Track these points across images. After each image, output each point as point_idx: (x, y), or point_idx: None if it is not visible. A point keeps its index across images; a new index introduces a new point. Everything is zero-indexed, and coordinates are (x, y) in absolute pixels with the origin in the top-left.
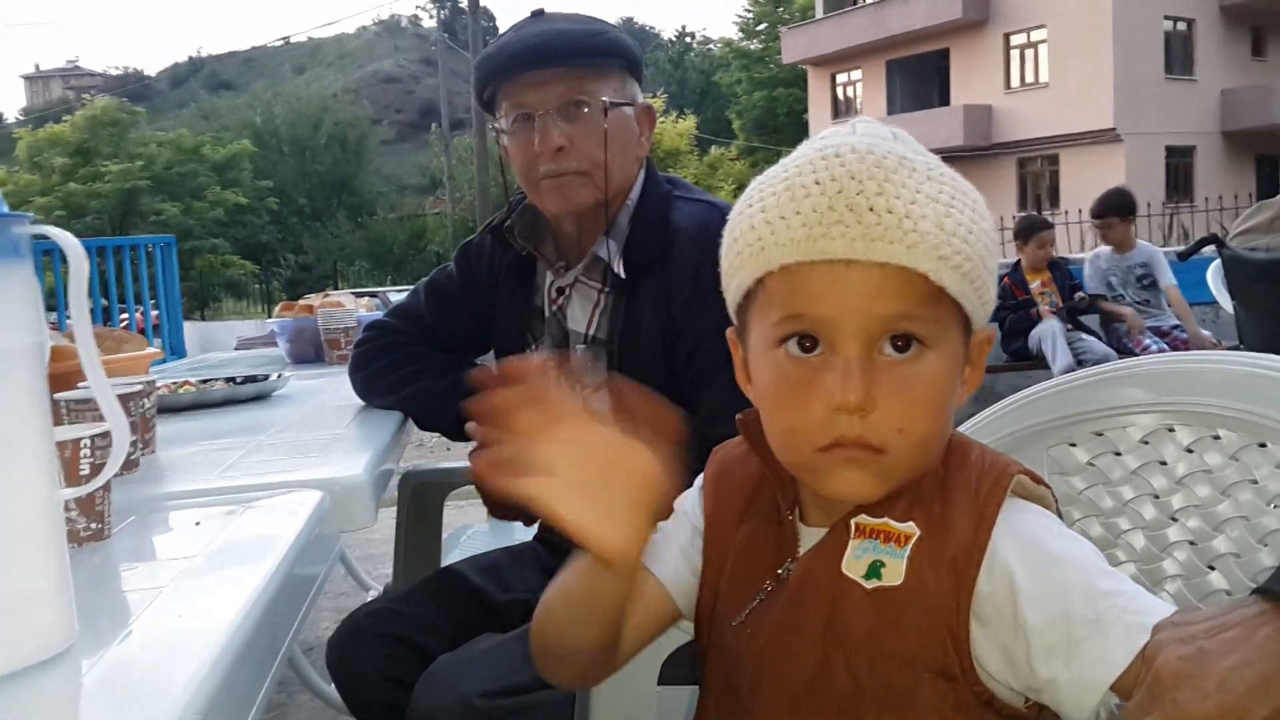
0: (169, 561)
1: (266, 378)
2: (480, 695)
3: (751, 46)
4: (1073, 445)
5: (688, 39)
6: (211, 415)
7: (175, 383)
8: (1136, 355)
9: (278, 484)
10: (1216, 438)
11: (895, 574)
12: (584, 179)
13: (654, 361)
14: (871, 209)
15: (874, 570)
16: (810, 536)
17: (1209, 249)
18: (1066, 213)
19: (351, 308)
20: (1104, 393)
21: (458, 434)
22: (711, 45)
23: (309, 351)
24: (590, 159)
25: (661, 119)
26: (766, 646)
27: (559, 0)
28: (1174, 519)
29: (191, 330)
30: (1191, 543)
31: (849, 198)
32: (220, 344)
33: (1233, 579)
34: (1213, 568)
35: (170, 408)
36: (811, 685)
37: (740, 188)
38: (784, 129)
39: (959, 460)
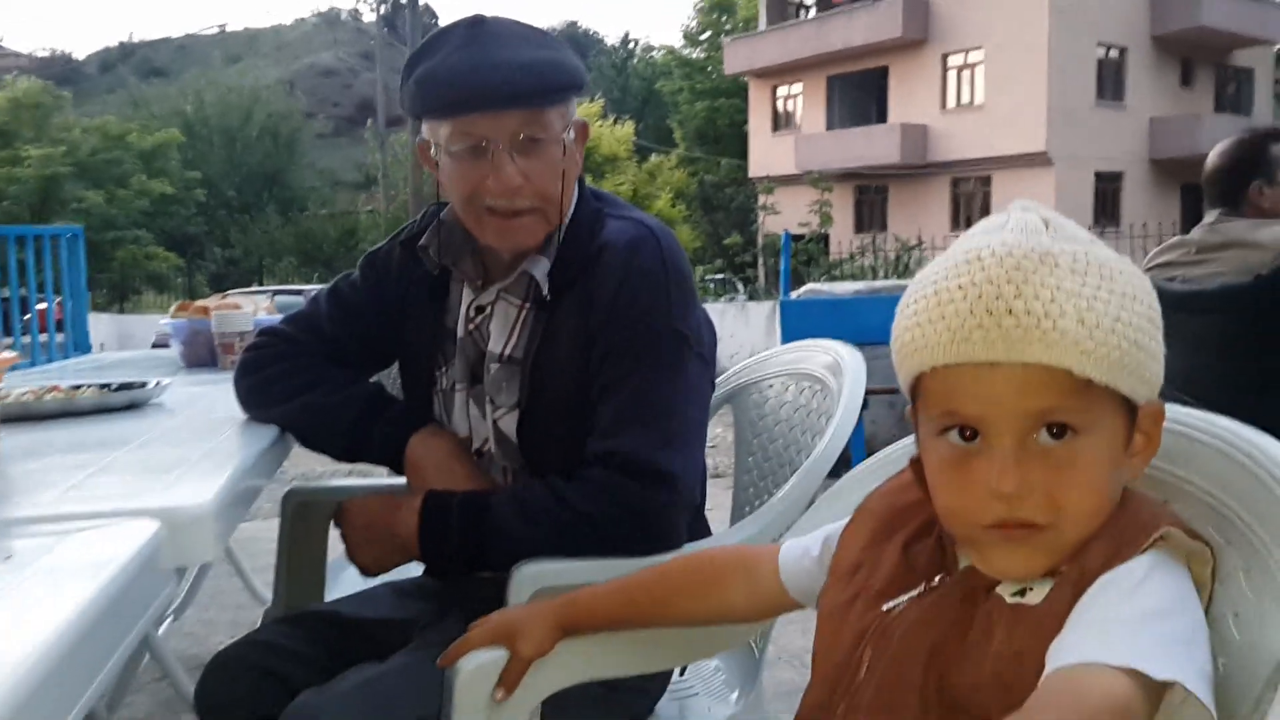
0: None
1: (143, 385)
2: None
3: (694, 55)
4: None
5: (631, 45)
6: (79, 425)
7: (43, 388)
8: None
9: (110, 511)
10: None
11: (1037, 596)
12: (537, 216)
13: (571, 381)
14: (1010, 311)
15: (1021, 591)
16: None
17: None
18: None
19: (248, 310)
20: None
21: (345, 454)
22: (655, 52)
23: (204, 355)
24: (543, 195)
25: (599, 123)
26: (896, 640)
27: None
28: None
29: (110, 324)
30: None
31: (988, 302)
32: (138, 339)
33: None
34: None
35: (33, 416)
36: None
37: (678, 196)
38: (725, 139)
39: (1121, 508)
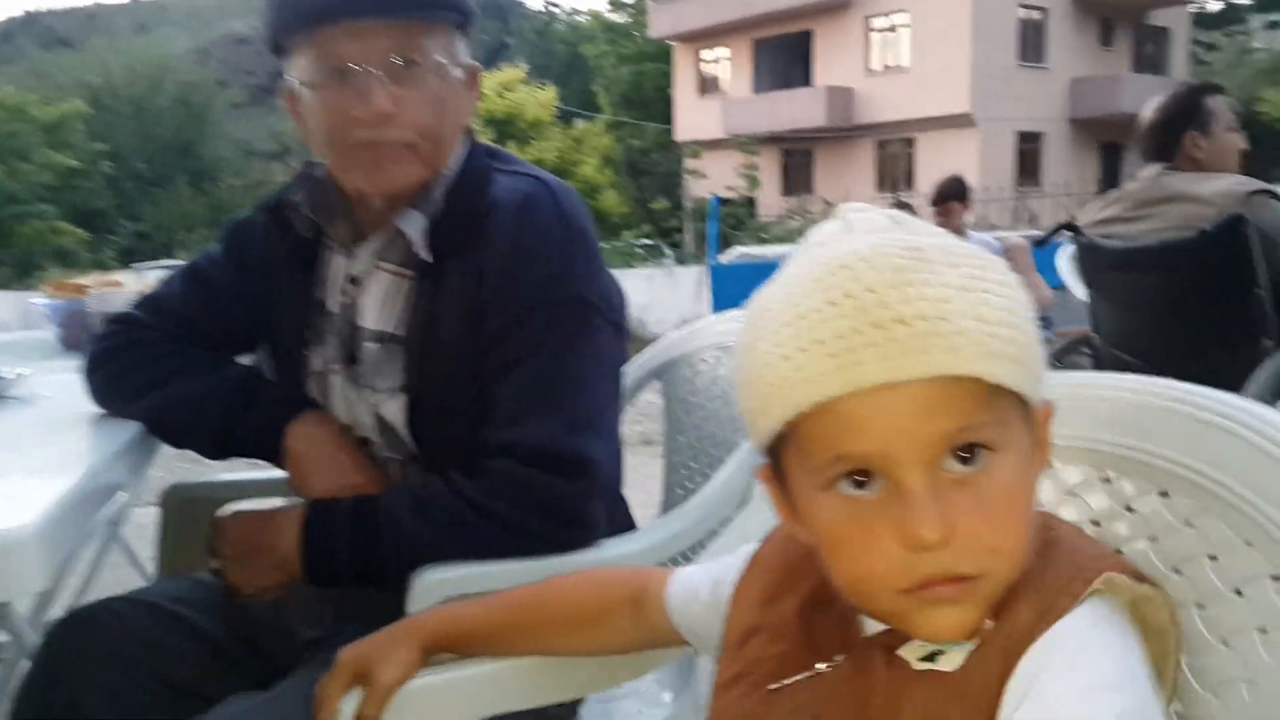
0: None
1: None
2: None
3: (619, 20)
4: None
5: (554, 9)
6: None
7: None
8: None
9: None
10: (1106, 480)
11: (951, 662)
12: (410, 153)
13: (459, 359)
14: (901, 320)
15: (931, 656)
16: (875, 625)
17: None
18: (923, 195)
19: (132, 289)
20: None
21: (215, 450)
22: (579, 16)
23: (82, 338)
24: (419, 128)
25: (522, 87)
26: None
27: None
28: None
29: (15, 301)
30: None
31: (873, 313)
32: (41, 317)
33: None
34: None
35: None
36: None
37: (605, 162)
38: (651, 104)
39: (1048, 552)
